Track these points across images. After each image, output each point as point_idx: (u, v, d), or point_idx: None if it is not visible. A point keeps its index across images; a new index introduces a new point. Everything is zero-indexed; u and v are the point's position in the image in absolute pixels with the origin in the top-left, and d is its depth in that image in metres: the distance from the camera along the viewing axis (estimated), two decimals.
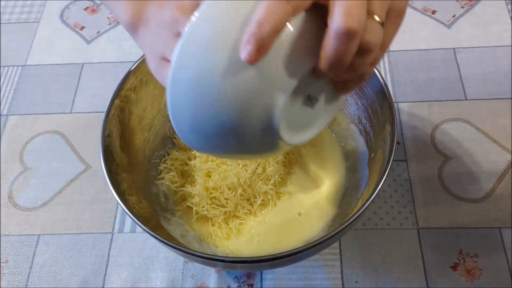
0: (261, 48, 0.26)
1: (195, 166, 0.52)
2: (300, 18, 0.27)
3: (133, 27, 0.35)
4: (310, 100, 0.32)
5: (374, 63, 0.30)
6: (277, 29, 0.26)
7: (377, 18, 0.27)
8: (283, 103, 0.29)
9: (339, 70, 0.27)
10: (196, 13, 0.28)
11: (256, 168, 0.50)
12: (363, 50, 0.27)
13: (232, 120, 0.29)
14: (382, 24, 0.27)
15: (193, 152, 0.54)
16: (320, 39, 0.27)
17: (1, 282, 0.52)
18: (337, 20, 0.25)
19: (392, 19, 0.29)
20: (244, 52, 0.26)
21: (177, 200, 0.51)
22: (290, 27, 0.27)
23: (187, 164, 0.53)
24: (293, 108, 0.31)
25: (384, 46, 0.30)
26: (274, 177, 0.50)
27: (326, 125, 0.36)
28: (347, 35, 0.25)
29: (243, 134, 0.30)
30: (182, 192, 0.51)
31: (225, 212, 0.49)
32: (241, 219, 0.50)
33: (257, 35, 0.25)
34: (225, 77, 0.27)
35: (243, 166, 0.50)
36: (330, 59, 0.26)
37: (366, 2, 0.26)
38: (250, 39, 0.25)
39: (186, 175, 0.53)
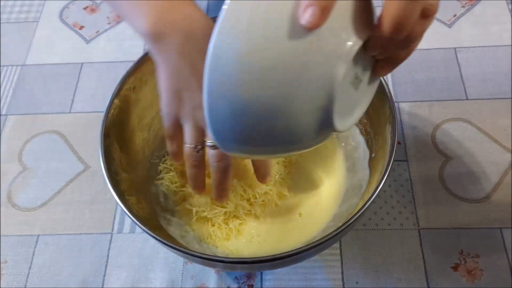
0: (324, 11, 0.24)
1: None
2: None
3: (157, 37, 0.35)
4: (356, 80, 0.30)
5: (421, 35, 0.29)
6: None
7: None
8: (343, 72, 0.26)
9: (399, 35, 0.26)
10: None
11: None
12: (425, 14, 0.26)
13: (283, 98, 0.26)
14: None
15: None
16: (370, 7, 0.25)
17: (1, 283, 0.52)
18: None
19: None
20: (306, 16, 0.24)
21: (177, 201, 0.51)
22: None
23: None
24: (344, 86, 0.28)
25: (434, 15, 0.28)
26: (274, 177, 0.50)
27: (365, 110, 0.33)
28: None
29: (292, 115, 0.27)
30: (182, 193, 0.51)
31: (225, 213, 0.49)
32: (241, 220, 0.49)
33: None
34: (277, 47, 0.25)
35: (243, 166, 0.50)
36: (394, 22, 0.25)
37: None
38: (312, 1, 0.23)
39: (186, 175, 0.53)
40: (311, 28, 0.24)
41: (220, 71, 0.26)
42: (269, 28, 0.25)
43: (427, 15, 0.26)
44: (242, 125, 0.28)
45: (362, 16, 0.26)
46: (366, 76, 0.31)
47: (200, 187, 0.45)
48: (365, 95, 0.32)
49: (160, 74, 0.37)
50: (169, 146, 0.43)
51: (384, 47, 0.27)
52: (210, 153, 0.38)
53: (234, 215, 0.49)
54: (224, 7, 0.25)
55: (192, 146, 0.39)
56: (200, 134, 0.38)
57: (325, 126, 0.29)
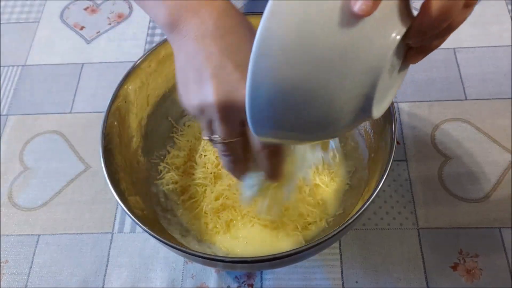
0: None
1: (197, 165, 0.53)
2: None
3: (173, 25, 0.34)
4: (392, 68, 0.30)
5: (460, 24, 0.29)
6: None
7: None
8: (390, 57, 0.26)
9: (444, 23, 0.26)
10: None
11: None
12: (468, 3, 0.26)
13: (329, 82, 0.26)
14: None
15: (195, 153, 0.54)
16: None
17: (1, 282, 0.52)
18: None
19: None
20: (360, 3, 0.24)
21: (179, 192, 0.52)
22: None
23: (189, 161, 0.54)
24: (385, 74, 0.28)
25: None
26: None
27: (394, 97, 0.34)
28: None
29: (337, 101, 0.27)
30: (184, 183, 0.51)
31: (229, 184, 0.49)
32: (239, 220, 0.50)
33: None
34: (328, 33, 0.25)
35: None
36: (442, 9, 0.25)
37: None
38: None
39: (187, 173, 0.53)
40: (363, 15, 0.24)
41: (267, 53, 0.26)
42: (320, 14, 0.25)
43: (469, 5, 0.27)
44: (283, 109, 0.28)
45: (404, 5, 0.27)
46: (398, 63, 0.31)
47: (237, 173, 0.41)
48: (396, 82, 0.33)
49: (175, 65, 0.36)
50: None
51: (424, 36, 0.28)
52: (218, 147, 0.37)
53: (233, 207, 0.49)
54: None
55: (208, 138, 0.37)
56: (210, 127, 0.36)
57: (363, 112, 0.29)
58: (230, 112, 0.33)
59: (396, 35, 0.26)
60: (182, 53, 0.35)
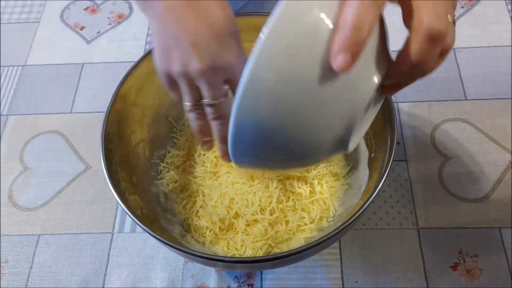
0: (354, 56, 0.24)
1: (196, 163, 0.53)
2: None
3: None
4: (368, 106, 0.31)
5: (435, 69, 0.30)
6: (370, 34, 0.25)
7: (450, 18, 0.27)
8: (365, 106, 0.28)
9: (417, 74, 0.27)
10: (274, 16, 0.25)
11: (254, 172, 0.51)
12: (442, 53, 0.27)
13: (307, 127, 0.28)
14: (454, 23, 0.27)
15: (194, 152, 0.54)
16: (384, 42, 0.26)
17: (1, 282, 0.52)
18: (427, 21, 0.25)
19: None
20: (338, 61, 0.24)
21: (179, 191, 0.52)
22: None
23: (188, 160, 0.54)
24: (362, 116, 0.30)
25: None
26: (273, 181, 0.50)
27: (368, 127, 0.35)
28: (437, 36, 0.25)
29: (315, 142, 0.29)
30: (184, 182, 0.51)
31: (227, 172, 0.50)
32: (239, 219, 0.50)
33: (352, 41, 0.24)
34: (308, 84, 0.26)
35: (245, 171, 0.51)
36: (415, 61, 0.26)
37: (449, 2, 0.26)
38: (344, 46, 0.24)
39: (186, 172, 0.53)
40: (342, 72, 0.25)
41: (252, 97, 0.27)
42: (301, 64, 0.26)
43: (443, 54, 0.27)
44: (263, 149, 0.30)
45: (382, 52, 0.28)
46: (374, 101, 0.32)
47: (207, 142, 0.43)
48: (371, 114, 0.34)
49: (151, 32, 0.36)
50: (173, 97, 0.41)
51: (399, 79, 0.29)
52: (208, 110, 0.38)
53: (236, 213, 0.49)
54: (261, 36, 0.26)
55: (190, 104, 0.38)
56: (195, 91, 0.37)
57: (340, 148, 0.31)
58: (215, 76, 0.34)
59: (373, 84, 0.28)
60: (156, 21, 0.35)
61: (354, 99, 0.27)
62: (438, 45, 0.26)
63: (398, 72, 0.28)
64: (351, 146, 0.31)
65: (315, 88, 0.26)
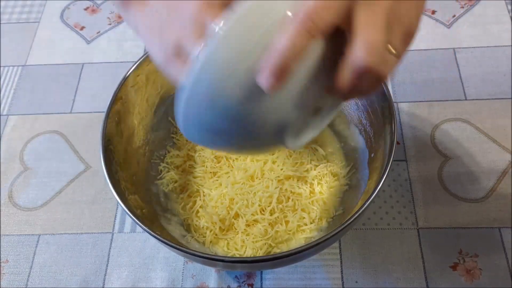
0: (281, 78, 0.25)
1: (196, 163, 0.53)
2: (317, 42, 0.27)
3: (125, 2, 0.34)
4: (315, 112, 0.32)
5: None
6: (297, 60, 0.25)
7: (393, 51, 0.27)
8: (297, 126, 0.29)
9: (352, 96, 0.28)
10: (222, 28, 0.26)
11: (255, 172, 0.51)
12: (377, 80, 0.27)
13: (244, 129, 0.30)
14: (398, 56, 0.27)
15: (193, 153, 0.54)
16: (333, 60, 0.27)
17: (1, 282, 0.52)
18: (359, 54, 0.25)
19: (405, 41, 0.29)
20: (263, 81, 0.25)
21: (179, 191, 0.52)
22: (308, 53, 0.26)
23: (188, 160, 0.54)
24: (301, 122, 0.31)
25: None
26: (273, 181, 0.50)
27: (323, 128, 0.36)
28: (366, 70, 0.25)
29: (253, 139, 0.31)
30: (184, 182, 0.51)
31: (227, 172, 0.50)
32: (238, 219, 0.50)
33: (278, 65, 0.25)
34: (240, 102, 0.27)
35: (246, 171, 0.51)
36: (346, 88, 0.27)
37: (386, 35, 0.26)
38: (271, 68, 0.25)
39: (186, 172, 0.53)
40: (268, 92, 0.26)
41: (193, 103, 0.29)
42: (236, 79, 0.27)
43: (377, 81, 0.27)
44: (210, 139, 0.32)
45: (321, 70, 0.28)
46: (327, 104, 0.33)
47: None
48: (326, 116, 0.34)
49: (138, 24, 0.34)
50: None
51: (339, 96, 0.29)
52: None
53: (236, 213, 0.49)
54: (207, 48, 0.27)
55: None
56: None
57: (278, 146, 0.33)
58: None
59: (310, 103, 0.29)
60: (145, 10, 0.34)
61: (282, 112, 0.28)
62: (368, 78, 0.26)
63: (340, 94, 0.28)
64: (293, 145, 0.32)
65: (248, 103, 0.27)
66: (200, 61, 0.27)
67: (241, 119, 0.29)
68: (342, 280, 0.49)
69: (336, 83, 0.27)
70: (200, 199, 0.51)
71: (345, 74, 0.26)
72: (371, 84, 0.28)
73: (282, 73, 0.25)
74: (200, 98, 0.28)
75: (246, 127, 0.29)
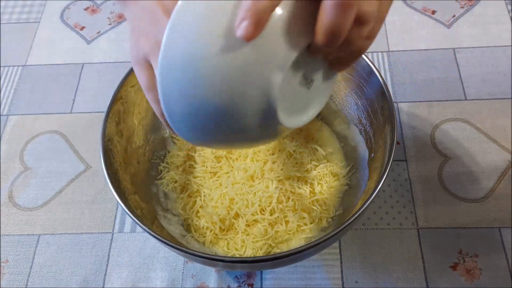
0: (258, 23, 0.25)
1: (196, 163, 0.53)
2: None
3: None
4: (306, 81, 0.31)
5: (371, 37, 0.29)
6: (274, 3, 0.25)
7: None
8: (280, 81, 0.28)
9: (335, 43, 0.26)
10: None
11: (255, 172, 0.51)
12: (360, 22, 0.26)
13: (228, 101, 0.28)
14: None
15: (193, 153, 0.54)
16: (315, 13, 0.26)
17: (1, 282, 0.52)
18: None
19: None
20: (241, 29, 0.25)
21: (179, 191, 0.52)
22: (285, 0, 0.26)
23: (188, 160, 0.54)
24: (289, 89, 0.30)
25: (380, 18, 0.29)
26: (273, 181, 0.50)
27: (322, 106, 0.34)
28: (343, 5, 0.24)
29: (240, 116, 0.29)
30: (184, 182, 0.51)
31: (227, 172, 0.50)
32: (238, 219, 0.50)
33: (253, 10, 0.24)
34: (218, 57, 0.26)
35: (246, 171, 0.51)
36: (326, 31, 0.25)
37: None
38: (247, 15, 0.24)
39: (186, 172, 0.53)
40: (246, 40, 0.25)
41: (171, 74, 0.28)
42: (210, 37, 0.26)
43: (363, 22, 0.27)
44: (195, 122, 0.30)
45: (302, 22, 0.27)
46: (319, 75, 0.32)
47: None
48: (322, 91, 0.33)
49: (128, 19, 0.36)
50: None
51: (325, 52, 0.28)
52: None
53: (236, 213, 0.49)
54: (176, 7, 0.27)
55: None
56: None
57: (273, 124, 0.31)
58: None
59: (287, 56, 0.27)
60: (132, 19, 0.35)
61: (266, 73, 0.27)
62: (347, 13, 0.25)
63: (322, 44, 0.26)
64: (289, 122, 0.31)
65: (225, 60, 0.26)
66: (169, 25, 0.27)
67: (223, 87, 0.27)
68: (342, 280, 0.49)
69: (316, 30, 0.26)
70: (200, 199, 0.51)
71: (323, 16, 0.25)
72: (355, 30, 0.27)
73: (258, 17, 0.24)
74: (174, 64, 0.27)
75: (230, 97, 0.28)
